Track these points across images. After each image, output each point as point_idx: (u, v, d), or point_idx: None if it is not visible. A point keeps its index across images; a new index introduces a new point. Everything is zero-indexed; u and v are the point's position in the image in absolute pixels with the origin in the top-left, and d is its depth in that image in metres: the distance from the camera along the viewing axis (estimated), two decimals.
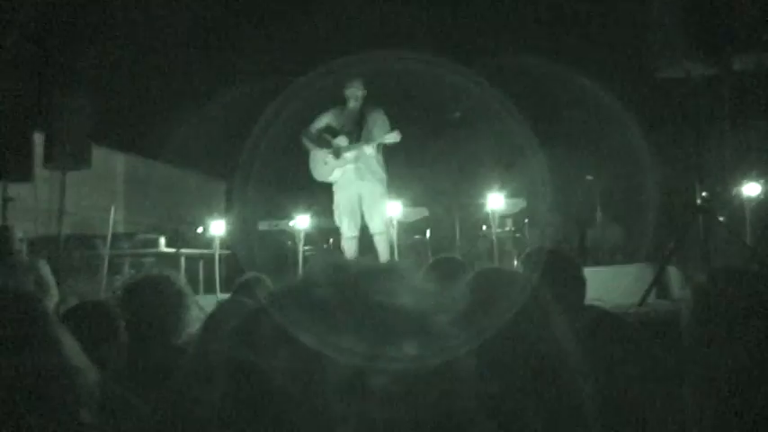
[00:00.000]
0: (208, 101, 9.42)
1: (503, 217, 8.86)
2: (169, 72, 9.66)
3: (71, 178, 7.99)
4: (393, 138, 7.50)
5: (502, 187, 8.16)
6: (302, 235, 8.41)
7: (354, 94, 7.75)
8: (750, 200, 7.54)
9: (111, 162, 10.41)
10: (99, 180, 9.81)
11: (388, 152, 7.79)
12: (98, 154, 8.31)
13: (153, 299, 3.04)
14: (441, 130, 9.59)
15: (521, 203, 9.07)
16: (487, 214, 8.01)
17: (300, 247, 8.39)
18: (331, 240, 9.05)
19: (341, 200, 7.75)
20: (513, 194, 8.82)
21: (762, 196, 7.39)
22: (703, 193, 5.75)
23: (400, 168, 8.03)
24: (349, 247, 7.70)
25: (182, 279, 3.20)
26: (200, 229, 8.57)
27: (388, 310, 0.88)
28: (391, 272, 0.95)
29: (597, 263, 8.41)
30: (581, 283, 3.21)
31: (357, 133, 7.71)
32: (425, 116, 8.53)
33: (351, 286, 0.90)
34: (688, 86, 5.94)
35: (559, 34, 9.71)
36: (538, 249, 3.39)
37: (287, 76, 7.82)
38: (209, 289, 8.25)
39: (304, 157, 7.88)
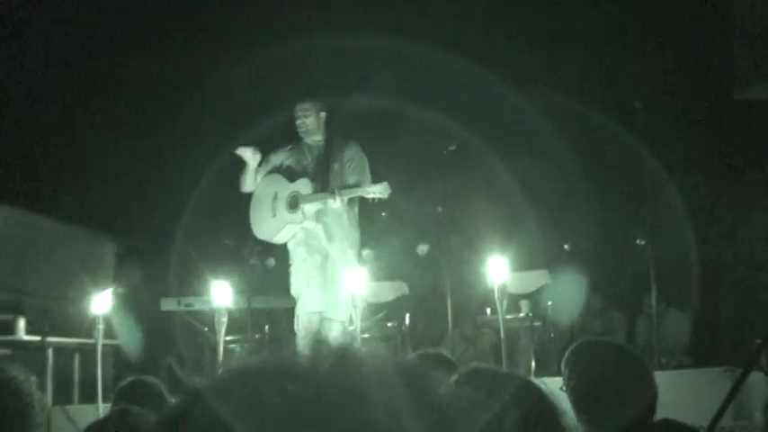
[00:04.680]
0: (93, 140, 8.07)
1: (516, 297, 7.12)
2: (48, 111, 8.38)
3: None
4: (379, 192, 5.95)
5: (508, 251, 6.29)
6: (223, 317, 6.02)
7: (304, 121, 6.32)
8: None
9: None
10: None
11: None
12: None
13: None
14: (427, 169, 7.88)
15: (542, 278, 7.34)
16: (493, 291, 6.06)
17: (221, 338, 6.04)
18: (267, 327, 7.19)
19: (302, 260, 6.32)
20: (529, 264, 7.14)
21: None
22: None
23: (365, 224, 6.67)
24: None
25: (31, 382, 2.30)
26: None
27: None
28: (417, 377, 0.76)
29: (652, 365, 6.50)
30: (650, 392, 2.66)
31: (324, 176, 6.34)
32: (405, 152, 7.37)
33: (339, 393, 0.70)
34: None
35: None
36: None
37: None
38: (88, 396, 6.54)
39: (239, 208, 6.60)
